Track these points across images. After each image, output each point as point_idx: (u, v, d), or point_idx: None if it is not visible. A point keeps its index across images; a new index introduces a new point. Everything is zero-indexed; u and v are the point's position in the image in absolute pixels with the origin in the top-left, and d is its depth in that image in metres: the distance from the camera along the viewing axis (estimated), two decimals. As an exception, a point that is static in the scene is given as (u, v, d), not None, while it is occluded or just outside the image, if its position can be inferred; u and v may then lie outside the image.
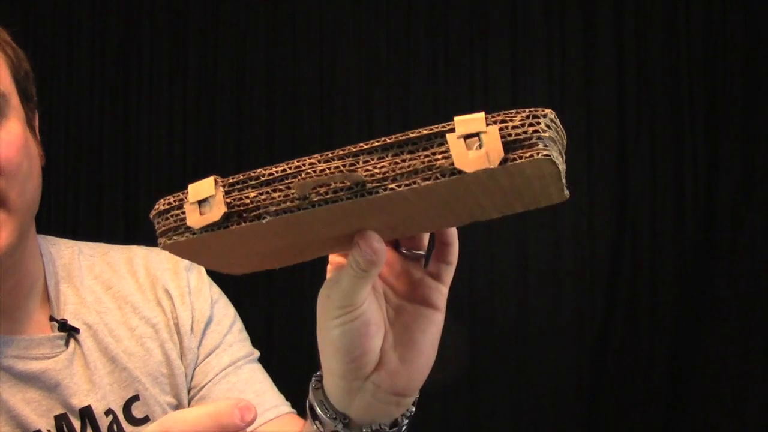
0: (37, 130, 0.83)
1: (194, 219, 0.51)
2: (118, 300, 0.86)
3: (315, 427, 0.62)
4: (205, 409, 0.48)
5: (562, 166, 0.47)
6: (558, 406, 2.35)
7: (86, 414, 0.79)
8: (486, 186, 0.47)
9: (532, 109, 0.45)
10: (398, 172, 0.47)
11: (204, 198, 0.51)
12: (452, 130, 0.46)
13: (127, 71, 2.56)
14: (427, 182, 0.46)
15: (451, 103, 2.43)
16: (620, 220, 2.35)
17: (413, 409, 0.63)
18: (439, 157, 0.46)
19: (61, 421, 0.78)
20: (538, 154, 0.44)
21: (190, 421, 0.48)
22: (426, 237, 0.60)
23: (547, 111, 0.46)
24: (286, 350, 2.35)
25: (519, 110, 0.46)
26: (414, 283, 0.61)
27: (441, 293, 0.60)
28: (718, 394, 2.20)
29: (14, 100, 0.77)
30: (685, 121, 2.32)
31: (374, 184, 0.47)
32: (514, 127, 0.45)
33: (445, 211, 0.52)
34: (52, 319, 0.82)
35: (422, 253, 0.61)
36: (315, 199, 0.48)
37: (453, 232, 0.60)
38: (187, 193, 0.51)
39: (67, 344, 0.80)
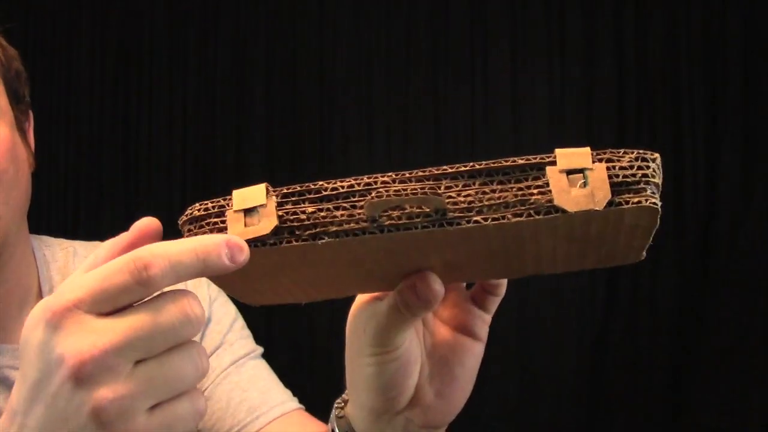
0: (28, 133, 0.78)
1: (237, 229, 0.43)
2: None
3: None
4: (190, 242, 0.41)
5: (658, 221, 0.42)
6: (558, 406, 2.35)
7: None
8: (574, 230, 0.42)
9: (640, 151, 0.41)
10: (486, 203, 0.41)
11: (252, 207, 0.44)
12: (553, 163, 0.41)
13: (127, 71, 2.56)
14: (519, 218, 0.40)
15: (450, 103, 2.43)
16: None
17: None
18: (535, 191, 0.41)
19: None
20: (646, 201, 0.40)
21: (171, 254, 0.41)
22: None
23: (656, 155, 0.42)
24: (286, 350, 2.34)
25: (626, 150, 0.41)
26: (456, 307, 0.55)
27: (484, 322, 0.56)
28: (718, 394, 2.20)
29: (2, 101, 0.73)
30: (685, 121, 2.32)
31: (456, 214, 0.41)
32: (621, 168, 0.40)
33: (513, 258, 0.46)
34: None
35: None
36: (385, 223, 0.42)
37: None
38: (231, 199, 0.44)
39: None
